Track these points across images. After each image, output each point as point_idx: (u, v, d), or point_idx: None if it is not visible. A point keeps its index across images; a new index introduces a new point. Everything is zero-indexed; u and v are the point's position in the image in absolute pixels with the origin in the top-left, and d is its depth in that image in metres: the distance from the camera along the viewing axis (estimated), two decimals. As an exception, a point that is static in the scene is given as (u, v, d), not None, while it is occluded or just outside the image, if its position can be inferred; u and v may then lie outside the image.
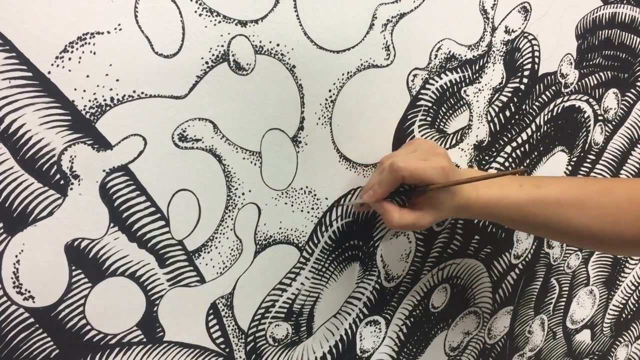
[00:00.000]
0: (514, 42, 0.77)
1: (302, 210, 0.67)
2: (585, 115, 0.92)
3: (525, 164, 0.87)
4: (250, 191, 0.62)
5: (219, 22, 0.54)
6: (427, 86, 0.71)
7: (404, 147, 0.70)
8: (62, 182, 0.51)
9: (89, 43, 0.48)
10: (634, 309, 1.23)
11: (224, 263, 0.63)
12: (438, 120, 0.74)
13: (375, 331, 0.82)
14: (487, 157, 0.82)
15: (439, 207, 0.64)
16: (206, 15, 0.53)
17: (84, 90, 0.49)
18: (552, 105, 0.86)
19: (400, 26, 0.66)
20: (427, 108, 0.73)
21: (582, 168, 0.96)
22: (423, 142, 0.69)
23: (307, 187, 0.67)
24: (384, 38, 0.65)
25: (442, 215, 0.66)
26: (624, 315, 1.23)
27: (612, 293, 1.17)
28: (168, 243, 0.59)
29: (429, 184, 0.61)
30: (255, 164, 0.62)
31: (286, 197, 0.65)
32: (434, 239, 0.83)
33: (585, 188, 0.65)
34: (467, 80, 0.74)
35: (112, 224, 0.55)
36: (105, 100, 0.51)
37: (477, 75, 0.75)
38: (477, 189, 0.65)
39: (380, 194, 0.63)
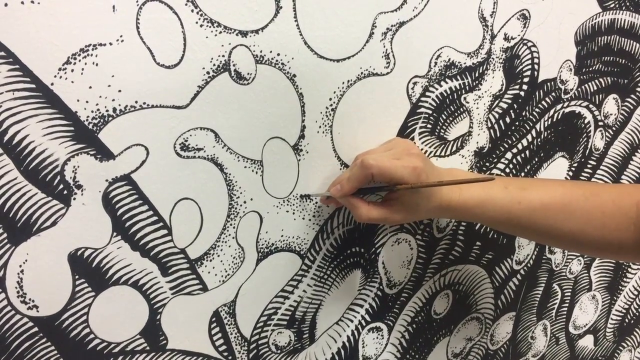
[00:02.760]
0: (514, 49, 0.78)
1: (303, 218, 0.68)
2: (586, 121, 0.92)
3: (526, 170, 0.88)
4: (251, 199, 0.63)
5: (220, 32, 0.55)
6: (427, 94, 0.72)
7: (381, 145, 0.70)
8: (65, 192, 0.51)
9: (92, 55, 0.49)
10: (637, 313, 1.23)
11: (226, 271, 0.64)
12: (438, 128, 0.75)
13: (377, 338, 0.82)
14: (487, 164, 0.83)
15: (412, 208, 0.64)
16: (207, 26, 0.54)
17: (87, 101, 0.50)
18: (552, 112, 0.86)
19: (400, 34, 0.66)
20: (427, 115, 0.73)
21: (582, 174, 0.96)
22: (401, 142, 0.68)
23: (308, 194, 0.67)
24: (384, 46, 0.66)
25: (418, 216, 0.66)
26: (627, 320, 1.23)
27: (615, 298, 1.17)
28: (170, 252, 0.59)
29: (398, 183, 0.60)
30: (256, 173, 0.62)
31: (288, 205, 0.66)
32: (435, 246, 0.83)
33: (571, 192, 0.65)
34: (467, 87, 0.75)
35: (115, 233, 0.55)
36: (107, 110, 0.51)
37: (476, 82, 0.75)
38: (460, 190, 0.65)
39: (348, 190, 0.62)
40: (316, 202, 0.68)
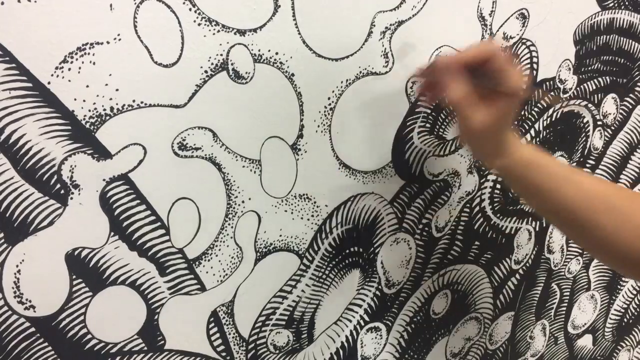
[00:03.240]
0: (512, 49, 0.77)
1: (302, 218, 0.67)
2: (585, 121, 0.92)
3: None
4: (250, 199, 0.63)
5: (218, 31, 0.54)
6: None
7: None
8: (62, 191, 0.51)
9: (89, 53, 0.49)
10: (636, 313, 1.23)
11: (224, 271, 0.63)
12: (437, 127, 0.74)
13: (376, 338, 0.82)
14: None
15: (494, 122, 0.60)
16: (205, 24, 0.53)
17: (84, 100, 0.50)
18: (551, 111, 0.86)
19: (399, 33, 0.66)
20: (426, 115, 0.73)
21: (581, 173, 0.96)
22: None
23: (306, 194, 0.67)
24: (383, 45, 0.66)
25: (488, 139, 0.62)
26: (625, 320, 1.23)
27: (614, 298, 1.17)
28: (168, 251, 0.59)
29: (506, 82, 0.57)
30: (255, 172, 0.62)
31: (286, 204, 0.66)
32: (434, 245, 0.83)
33: (618, 190, 0.63)
34: (466, 86, 0.75)
35: (112, 233, 0.55)
36: (105, 109, 0.51)
37: (475, 81, 0.75)
38: (522, 145, 0.63)
39: (460, 58, 0.58)
40: (314, 202, 0.68)
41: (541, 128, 0.86)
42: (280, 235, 0.67)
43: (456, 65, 0.59)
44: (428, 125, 0.73)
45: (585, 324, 1.16)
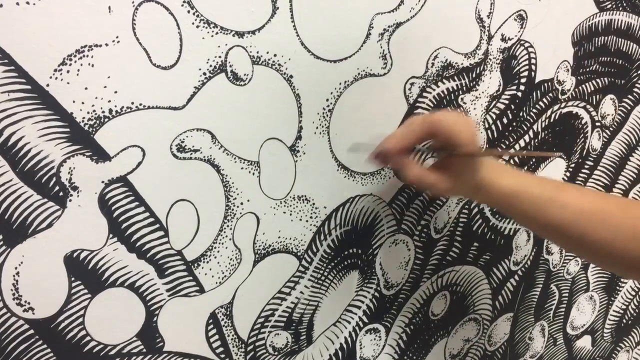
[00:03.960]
0: (511, 50, 0.78)
1: (300, 219, 0.67)
2: (583, 122, 0.92)
3: (523, 171, 0.88)
4: (248, 201, 0.63)
5: (217, 33, 0.54)
6: (425, 94, 0.72)
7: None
8: (61, 193, 0.51)
9: (87, 55, 0.49)
10: (634, 314, 1.23)
11: (223, 273, 0.63)
12: (436, 128, 0.75)
13: (375, 339, 0.82)
14: (485, 164, 0.82)
15: (460, 178, 0.61)
16: (204, 26, 0.54)
17: (83, 102, 0.50)
18: (549, 112, 0.86)
19: (397, 35, 0.66)
20: (424, 116, 0.73)
21: (580, 174, 0.96)
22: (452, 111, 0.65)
23: (305, 196, 0.67)
24: (381, 47, 0.66)
25: (460, 190, 0.64)
26: (624, 321, 1.23)
27: (612, 299, 1.17)
28: (167, 253, 0.59)
29: (457, 147, 0.58)
30: (253, 174, 0.62)
31: (285, 206, 0.66)
32: (433, 247, 0.83)
33: (604, 200, 0.63)
34: (464, 88, 0.75)
35: (111, 235, 0.55)
36: (103, 112, 0.51)
37: (474, 83, 0.75)
38: (499, 175, 0.63)
39: (407, 142, 0.59)
40: (313, 204, 0.68)
41: (539, 129, 0.86)
42: (279, 237, 0.67)
43: (401, 151, 0.60)
44: (426, 126, 0.74)
45: (584, 325, 1.16)
